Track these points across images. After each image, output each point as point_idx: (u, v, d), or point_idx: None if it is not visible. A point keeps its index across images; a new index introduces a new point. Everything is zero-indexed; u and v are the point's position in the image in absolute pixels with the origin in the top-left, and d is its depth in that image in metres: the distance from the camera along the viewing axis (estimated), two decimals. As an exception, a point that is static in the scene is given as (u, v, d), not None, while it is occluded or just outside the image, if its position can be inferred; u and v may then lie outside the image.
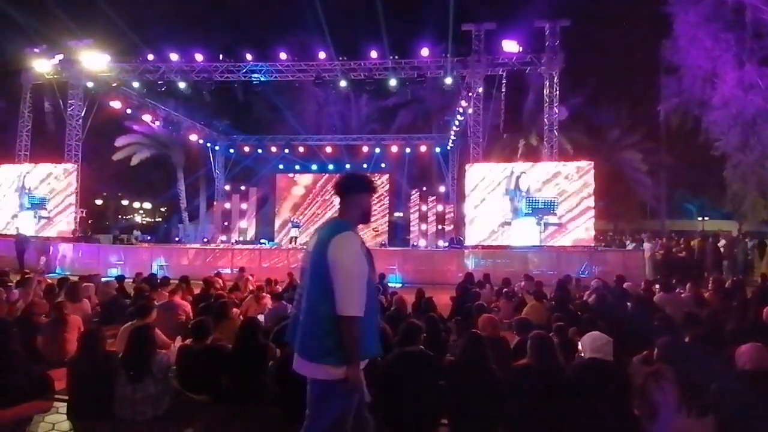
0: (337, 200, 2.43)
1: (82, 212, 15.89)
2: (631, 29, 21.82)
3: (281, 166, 23.26)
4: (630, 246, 16.05)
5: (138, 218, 38.33)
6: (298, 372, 2.24)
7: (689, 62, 14.67)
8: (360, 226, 2.41)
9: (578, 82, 19.06)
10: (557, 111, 14.13)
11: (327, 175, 22.04)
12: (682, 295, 6.35)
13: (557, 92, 13.95)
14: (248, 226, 21.44)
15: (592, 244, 13.37)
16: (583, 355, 3.27)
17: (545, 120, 14.23)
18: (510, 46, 13.61)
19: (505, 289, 7.49)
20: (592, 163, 13.49)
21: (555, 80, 13.87)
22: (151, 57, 14.68)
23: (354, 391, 2.13)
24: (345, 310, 2.04)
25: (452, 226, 18.96)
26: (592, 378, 3.03)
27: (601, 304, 5.66)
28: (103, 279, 8.06)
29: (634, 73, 22.01)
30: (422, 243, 19.05)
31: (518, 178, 13.54)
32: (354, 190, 2.33)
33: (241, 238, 20.63)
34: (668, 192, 26.42)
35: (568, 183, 13.35)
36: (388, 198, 21.42)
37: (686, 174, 23.22)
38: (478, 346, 3.27)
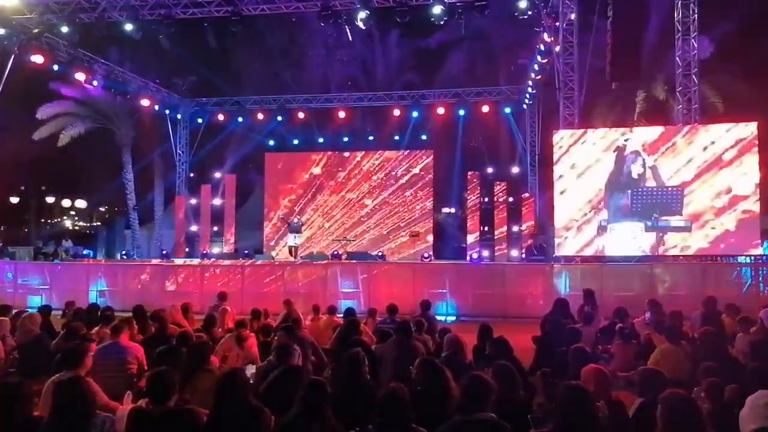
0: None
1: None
2: None
3: (272, 142, 23.56)
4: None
5: (68, 223, 39.79)
6: None
7: None
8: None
9: (728, 1, 18.42)
10: (696, 46, 13.85)
11: (339, 153, 22.16)
12: None
13: (695, 17, 13.67)
14: (225, 230, 21.86)
15: (759, 252, 13.05)
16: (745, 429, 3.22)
17: (677, 60, 13.97)
18: (619, -53, 13.31)
19: (619, 325, 7.37)
20: (755, 124, 13.10)
21: (692, -1, 13.58)
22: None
23: None
24: None
25: (532, 228, 18.71)
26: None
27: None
28: (19, 312, 8.34)
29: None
30: (486, 253, 18.87)
31: (634, 159, 13.38)
32: None
33: (216, 250, 21.02)
34: None
35: (711, 158, 13.04)
36: (432, 185, 21.41)
37: None
38: (583, 407, 3.22)
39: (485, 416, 3.33)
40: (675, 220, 13.17)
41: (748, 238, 12.99)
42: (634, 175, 13.38)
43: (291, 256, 18.19)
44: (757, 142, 12.94)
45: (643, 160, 13.42)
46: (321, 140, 23.39)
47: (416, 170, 21.41)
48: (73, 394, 3.59)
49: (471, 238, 19.44)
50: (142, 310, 7.80)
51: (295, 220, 19.73)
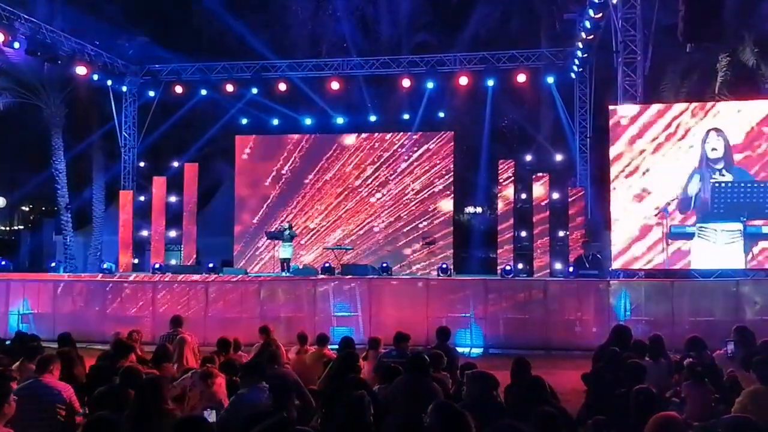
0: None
1: None
2: None
3: (245, 121, 23.53)
4: None
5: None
6: None
7: None
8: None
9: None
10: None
11: (331, 136, 22.28)
12: None
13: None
14: (185, 236, 21.84)
15: None
16: None
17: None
18: None
19: (688, 360, 7.35)
20: None
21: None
22: None
23: None
24: None
25: (582, 233, 18.68)
26: None
27: None
28: None
29: None
30: (522, 266, 18.87)
31: (706, 138, 13.40)
32: None
33: (173, 262, 20.99)
34: None
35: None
36: (452, 178, 21.41)
37: None
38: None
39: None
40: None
41: None
42: (711, 156, 13.33)
43: (284, 270, 18.19)
44: None
45: (719, 133, 13.36)
46: (308, 120, 23.33)
47: (431, 158, 21.42)
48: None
49: (502, 247, 19.43)
50: (70, 339, 7.77)
51: (286, 225, 19.64)
